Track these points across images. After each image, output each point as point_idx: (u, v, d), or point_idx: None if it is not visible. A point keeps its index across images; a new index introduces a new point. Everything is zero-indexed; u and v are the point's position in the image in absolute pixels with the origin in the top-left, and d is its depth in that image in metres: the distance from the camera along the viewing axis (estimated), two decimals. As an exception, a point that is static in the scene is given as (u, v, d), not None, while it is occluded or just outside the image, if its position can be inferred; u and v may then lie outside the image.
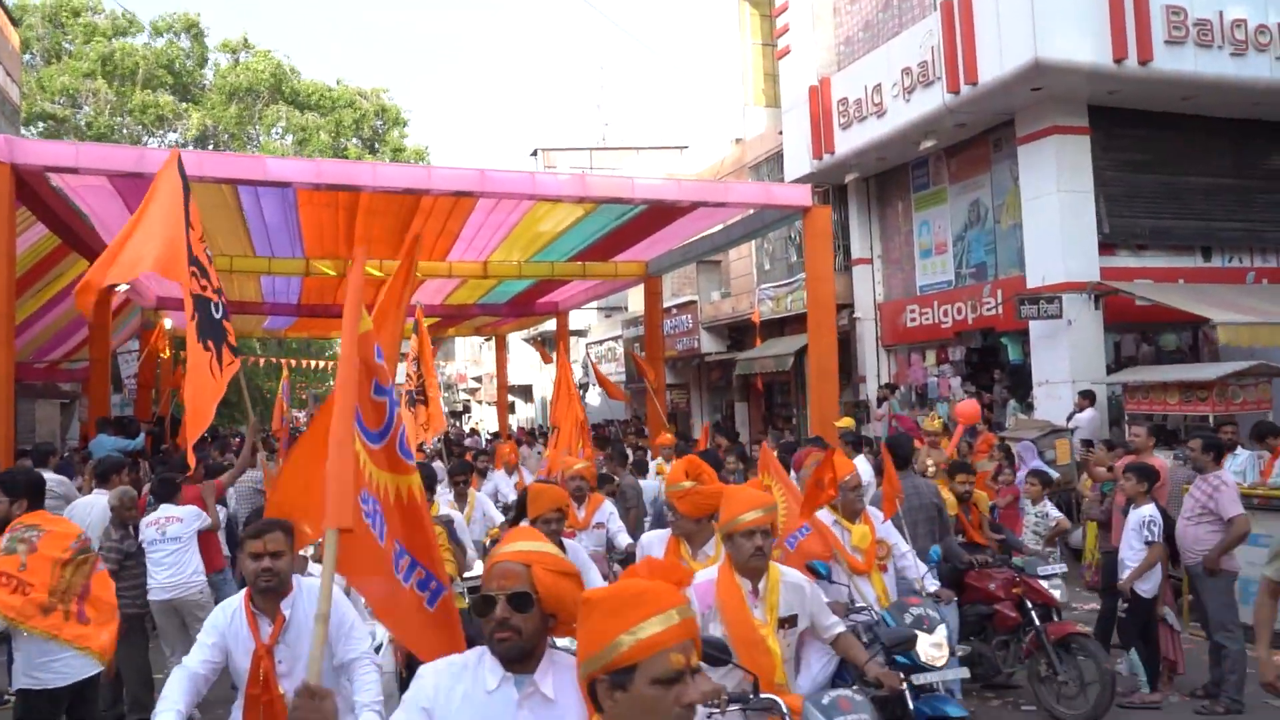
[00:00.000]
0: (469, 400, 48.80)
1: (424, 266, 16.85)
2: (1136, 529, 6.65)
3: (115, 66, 30.95)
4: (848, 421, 12.98)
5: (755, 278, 20.94)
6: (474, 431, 31.77)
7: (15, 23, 24.58)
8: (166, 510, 7.45)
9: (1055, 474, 10.83)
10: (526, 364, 38.63)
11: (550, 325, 27.24)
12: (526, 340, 37.28)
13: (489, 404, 44.10)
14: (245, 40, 35.21)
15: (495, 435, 24.45)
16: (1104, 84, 13.20)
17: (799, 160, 17.51)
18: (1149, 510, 6.70)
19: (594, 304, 27.36)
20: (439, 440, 14.95)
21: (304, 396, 41.60)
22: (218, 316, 5.88)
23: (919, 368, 17.24)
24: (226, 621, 3.78)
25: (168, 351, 19.77)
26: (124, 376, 21.30)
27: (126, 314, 19.90)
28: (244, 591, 3.87)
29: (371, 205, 13.43)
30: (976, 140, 15.52)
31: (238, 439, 19.40)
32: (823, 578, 4.75)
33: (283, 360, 32.72)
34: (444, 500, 10.18)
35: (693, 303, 23.06)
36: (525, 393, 41.77)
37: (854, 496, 5.47)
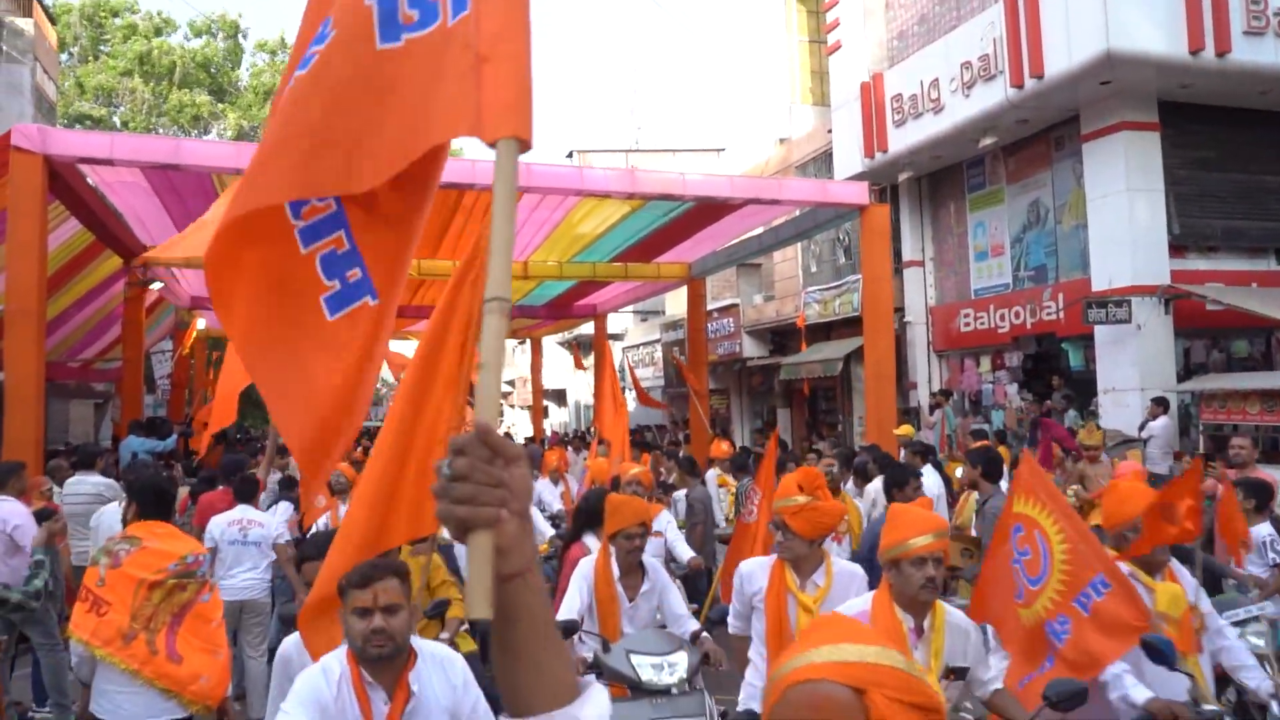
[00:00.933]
0: (500, 404, 48.61)
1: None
2: (1259, 549, 6.06)
3: (153, 65, 30.88)
4: (908, 429, 12.41)
5: (801, 280, 20.39)
6: (507, 435, 31.31)
7: (53, 20, 24.54)
8: (247, 512, 7.21)
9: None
10: (561, 368, 38.22)
11: (587, 329, 26.85)
12: (561, 344, 36.88)
13: (522, 408, 43.72)
14: (283, 40, 35.09)
15: (530, 440, 24.03)
16: (1176, 77, 12.57)
17: (849, 159, 16.96)
18: (1267, 529, 6.11)
19: (630, 307, 26.97)
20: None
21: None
22: None
23: (972, 373, 16.62)
24: (330, 694, 2.87)
25: (194, 352, 19.48)
26: (157, 377, 21.04)
27: (160, 313, 19.64)
28: (344, 653, 2.97)
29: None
30: (1037, 138, 14.91)
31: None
32: (1165, 660, 3.40)
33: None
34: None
35: (734, 306, 22.55)
36: (559, 397, 41.37)
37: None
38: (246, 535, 7.02)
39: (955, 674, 3.23)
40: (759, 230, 18.04)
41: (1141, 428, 12.36)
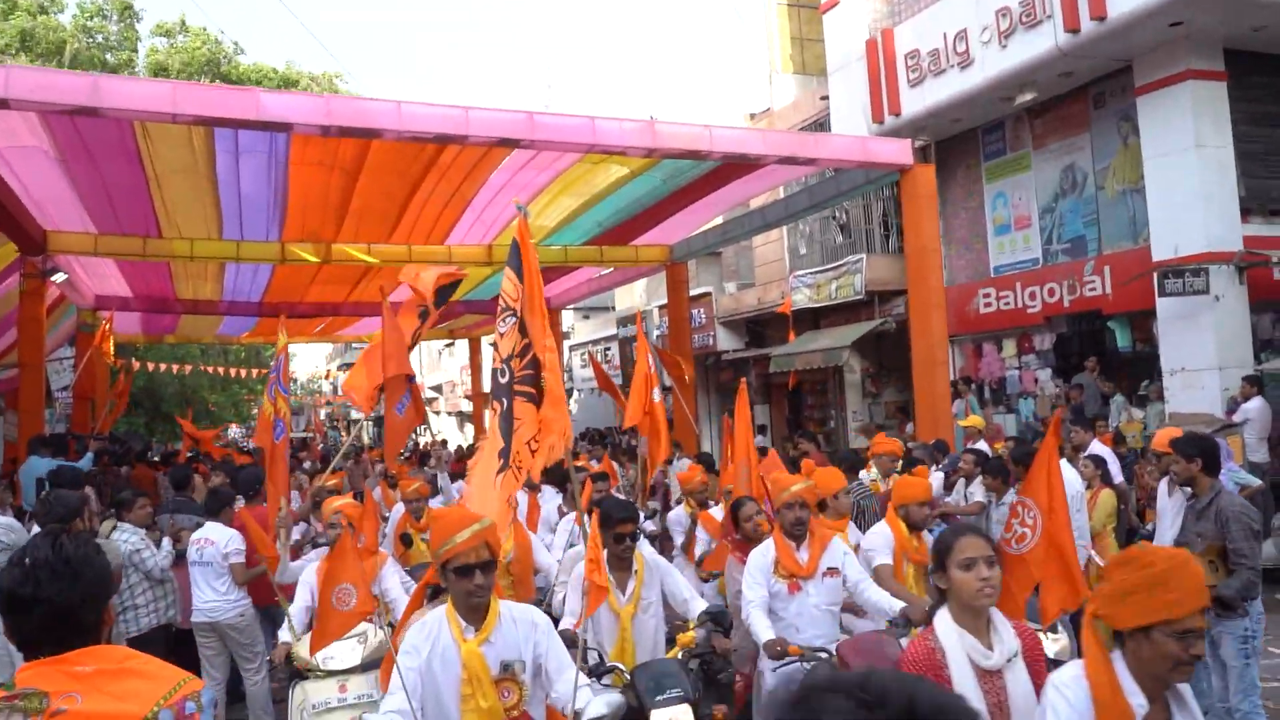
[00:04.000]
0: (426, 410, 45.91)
1: (419, 251, 14.39)
2: None
3: (38, 41, 27.95)
4: (977, 420, 10.81)
5: (787, 264, 18.69)
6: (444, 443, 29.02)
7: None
8: (209, 530, 6.83)
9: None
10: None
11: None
12: (493, 344, 34.64)
13: (449, 414, 41.27)
14: (183, 23, 32.30)
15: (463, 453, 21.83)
16: (1249, 17, 11.22)
17: (851, 126, 15.29)
18: None
19: (573, 305, 25.04)
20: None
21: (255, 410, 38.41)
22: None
23: (994, 359, 15.12)
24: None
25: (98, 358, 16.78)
26: (55, 389, 18.29)
27: (59, 315, 16.99)
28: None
29: (379, 164, 10.94)
30: (1071, 97, 13.46)
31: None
32: None
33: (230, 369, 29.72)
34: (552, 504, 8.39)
35: (707, 295, 20.74)
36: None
37: None
38: (202, 554, 6.72)
39: None
40: (738, 212, 16.42)
41: (1228, 411, 10.97)
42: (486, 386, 23.65)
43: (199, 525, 7.19)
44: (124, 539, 6.46)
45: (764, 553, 4.94)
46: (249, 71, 31.87)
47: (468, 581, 3.32)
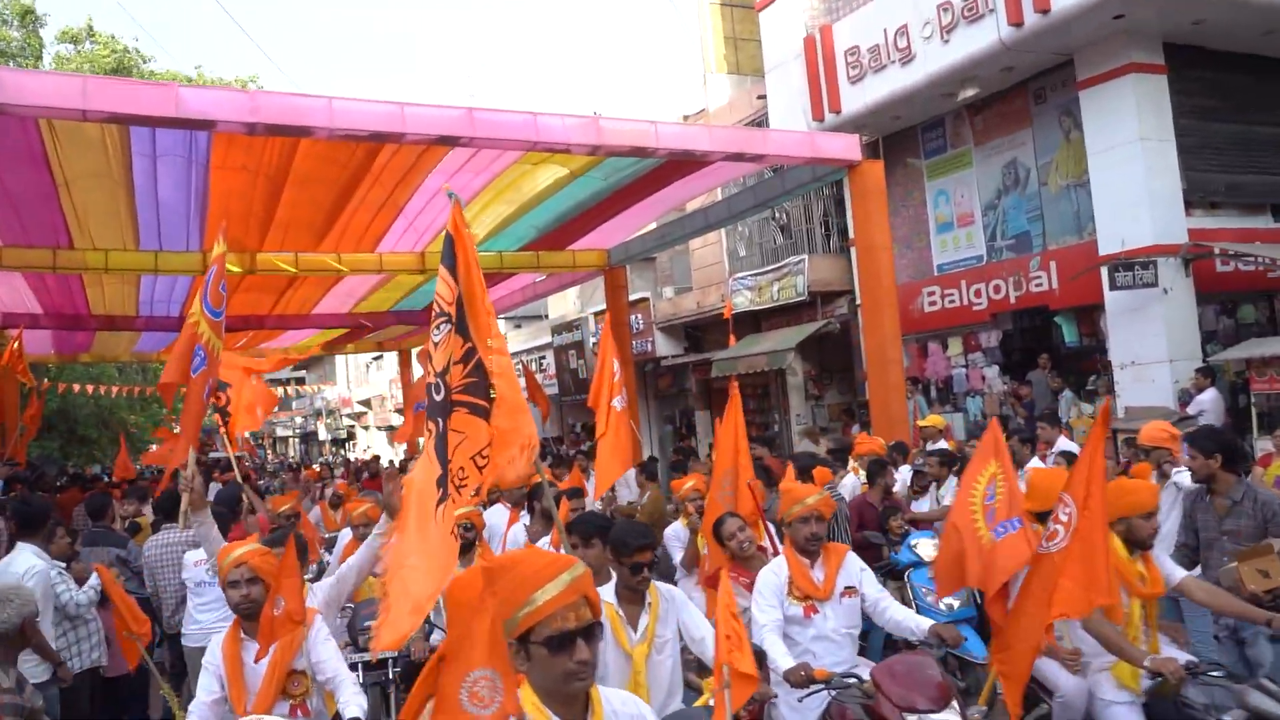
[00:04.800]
0: (353, 426, 44.68)
1: (349, 260, 13.80)
2: None
3: (-69, 50, 26.52)
4: (936, 420, 10.59)
5: (726, 267, 18.41)
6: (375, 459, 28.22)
7: None
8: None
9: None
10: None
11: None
12: (424, 356, 33.85)
13: (379, 429, 40.32)
14: (90, 28, 30.98)
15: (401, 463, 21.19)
16: (1189, 11, 11.22)
17: (790, 125, 15.04)
18: None
19: (504, 315, 24.53)
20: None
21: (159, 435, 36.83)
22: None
23: (939, 358, 15.00)
24: None
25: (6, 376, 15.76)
26: (-41, 413, 17.23)
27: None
28: None
29: (306, 171, 10.36)
30: (1011, 92, 13.40)
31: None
32: None
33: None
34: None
35: (644, 300, 20.38)
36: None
37: None
38: (207, 572, 6.27)
39: None
40: (674, 215, 16.09)
41: (1181, 403, 10.94)
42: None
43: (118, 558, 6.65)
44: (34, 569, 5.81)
45: (776, 572, 4.47)
46: (157, 76, 30.73)
47: (566, 658, 2.23)
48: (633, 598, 4.02)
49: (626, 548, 3.97)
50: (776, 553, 5.01)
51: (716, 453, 6.01)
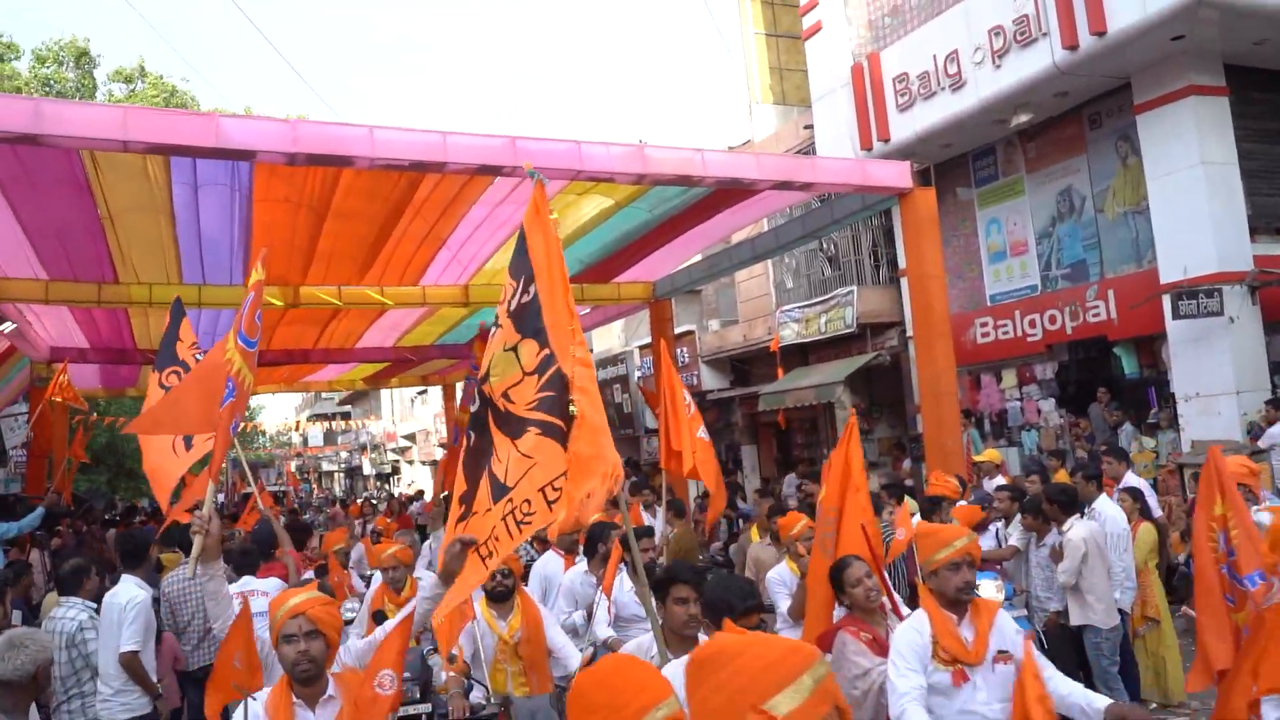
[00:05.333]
0: (398, 461, 44.75)
1: (392, 293, 13.74)
2: None
3: (-4, 88, 27.21)
4: (993, 454, 10.23)
5: (774, 299, 18.15)
6: (419, 494, 28.15)
7: None
8: (249, 583, 6.23)
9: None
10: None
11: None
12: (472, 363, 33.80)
13: (424, 463, 40.33)
14: (142, 68, 31.63)
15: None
16: (1251, 32, 10.87)
17: (838, 154, 14.84)
18: None
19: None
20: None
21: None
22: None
23: (993, 391, 14.59)
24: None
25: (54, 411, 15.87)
26: (9, 447, 17.41)
27: (10, 367, 16.09)
28: None
29: (346, 206, 10.30)
30: (1065, 119, 13.07)
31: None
32: None
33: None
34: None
35: (690, 334, 20.15)
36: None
37: None
38: (254, 605, 5.69)
39: None
40: (720, 247, 15.88)
41: (1252, 435, 10.47)
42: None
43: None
44: (67, 616, 5.67)
45: (918, 629, 3.67)
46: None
47: None
48: None
49: (734, 610, 3.37)
50: (894, 606, 4.33)
51: (825, 488, 5.14)
